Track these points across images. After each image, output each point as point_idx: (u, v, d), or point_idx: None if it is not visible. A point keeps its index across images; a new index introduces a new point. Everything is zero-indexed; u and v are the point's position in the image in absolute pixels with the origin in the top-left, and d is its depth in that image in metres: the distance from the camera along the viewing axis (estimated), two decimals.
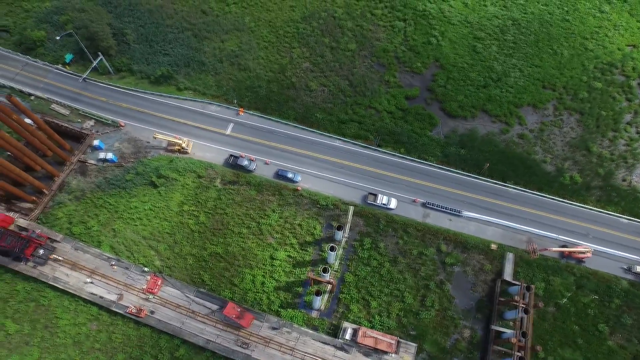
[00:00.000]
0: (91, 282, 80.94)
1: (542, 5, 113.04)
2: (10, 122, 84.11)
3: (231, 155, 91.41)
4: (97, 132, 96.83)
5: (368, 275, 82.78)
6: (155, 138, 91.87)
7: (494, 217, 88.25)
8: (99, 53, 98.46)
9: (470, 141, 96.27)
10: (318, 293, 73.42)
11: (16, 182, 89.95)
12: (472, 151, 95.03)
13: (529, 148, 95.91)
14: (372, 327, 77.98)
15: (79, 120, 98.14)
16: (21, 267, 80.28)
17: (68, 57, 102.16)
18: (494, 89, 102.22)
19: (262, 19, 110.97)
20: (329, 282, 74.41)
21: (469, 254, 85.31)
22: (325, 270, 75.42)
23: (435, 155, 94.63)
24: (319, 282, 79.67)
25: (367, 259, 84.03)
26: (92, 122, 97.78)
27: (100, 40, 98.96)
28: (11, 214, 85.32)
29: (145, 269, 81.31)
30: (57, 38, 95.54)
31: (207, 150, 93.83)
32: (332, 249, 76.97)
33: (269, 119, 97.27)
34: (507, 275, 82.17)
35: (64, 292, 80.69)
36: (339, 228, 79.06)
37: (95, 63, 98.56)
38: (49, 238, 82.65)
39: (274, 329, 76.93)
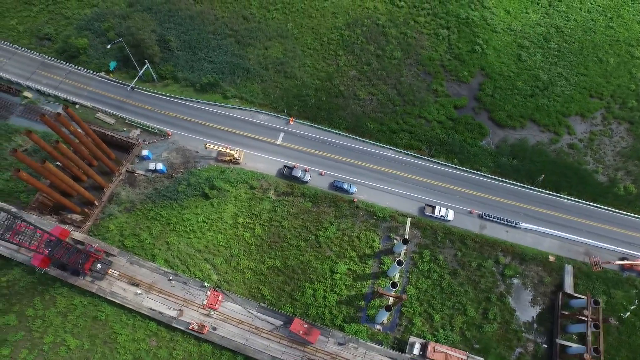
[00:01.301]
0: (141, 293, 79.49)
1: (584, 12, 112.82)
2: (63, 132, 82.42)
3: (285, 166, 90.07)
4: (144, 141, 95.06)
5: (429, 288, 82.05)
6: (206, 148, 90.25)
7: (550, 228, 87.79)
8: (145, 61, 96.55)
9: (521, 151, 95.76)
10: (388, 308, 72.49)
11: (64, 192, 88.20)
12: (524, 161, 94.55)
13: (579, 158, 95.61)
14: (436, 341, 77.24)
15: (125, 129, 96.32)
16: (80, 282, 78.51)
17: (112, 64, 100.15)
18: (541, 98, 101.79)
19: (304, 25, 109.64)
20: (399, 298, 73.44)
21: (527, 266, 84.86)
22: (394, 285, 74.53)
23: (487, 165, 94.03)
24: (381, 295, 78.78)
25: (428, 272, 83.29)
26: (138, 131, 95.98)
27: (146, 48, 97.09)
28: (65, 227, 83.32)
29: (205, 284, 79.85)
30: (108, 46, 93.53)
31: (259, 161, 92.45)
32: (399, 262, 76.02)
33: (320, 128, 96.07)
34: (568, 287, 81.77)
35: (121, 307, 79.16)
36: (405, 242, 78.15)
37: (141, 71, 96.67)
38: (105, 252, 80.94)
39: (340, 344, 75.94)
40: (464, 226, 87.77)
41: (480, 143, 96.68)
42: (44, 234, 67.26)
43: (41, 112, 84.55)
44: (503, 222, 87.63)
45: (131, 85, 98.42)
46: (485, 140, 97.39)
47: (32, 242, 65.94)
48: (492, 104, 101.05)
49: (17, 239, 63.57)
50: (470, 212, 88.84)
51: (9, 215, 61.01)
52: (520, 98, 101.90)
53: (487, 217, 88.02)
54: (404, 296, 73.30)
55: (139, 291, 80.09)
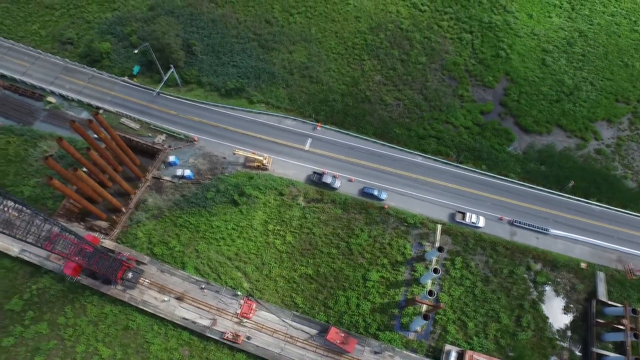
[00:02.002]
0: (168, 300, 78.67)
1: (607, 16, 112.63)
2: (91, 139, 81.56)
3: (314, 172, 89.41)
4: (170, 147, 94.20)
5: (462, 295, 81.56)
6: (235, 154, 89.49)
7: (581, 235, 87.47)
8: (171, 65, 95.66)
9: (548, 157, 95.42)
10: (426, 317, 71.90)
11: (89, 199, 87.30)
12: (552, 167, 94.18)
13: (607, 164, 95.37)
14: (471, 349, 76.81)
15: (150, 134, 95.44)
16: (113, 291, 77.66)
17: (136, 69, 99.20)
18: (566, 103, 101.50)
19: (328, 29, 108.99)
20: (437, 306, 72.92)
21: (558, 273, 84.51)
22: (431, 293, 74.03)
23: (516, 171, 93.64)
24: (415, 303, 78.27)
25: (460, 279, 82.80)
26: (163, 137, 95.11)
27: (171, 52, 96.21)
28: (94, 235, 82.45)
29: (238, 292, 79.12)
30: (135, 51, 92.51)
31: (287, 167, 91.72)
32: (435, 270, 75.51)
33: (347, 134, 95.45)
34: (602, 295, 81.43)
35: (153, 316, 78.36)
36: (440, 249, 77.61)
37: (167, 76, 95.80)
38: (136, 260, 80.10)
39: (376, 353, 75.39)
40: (494, 233, 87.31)
41: (508, 149, 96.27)
42: (80, 242, 66.37)
43: (71, 119, 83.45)
44: (533, 228, 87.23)
45: (157, 90, 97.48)
46: (512, 146, 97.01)
47: (67, 250, 65.04)
48: (518, 109, 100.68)
49: (53, 248, 62.61)
50: (501, 219, 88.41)
51: (60, 228, 59.92)
52: (546, 103, 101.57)
53: (518, 224, 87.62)
54: (441, 305, 72.75)
55: (165, 298, 79.37)
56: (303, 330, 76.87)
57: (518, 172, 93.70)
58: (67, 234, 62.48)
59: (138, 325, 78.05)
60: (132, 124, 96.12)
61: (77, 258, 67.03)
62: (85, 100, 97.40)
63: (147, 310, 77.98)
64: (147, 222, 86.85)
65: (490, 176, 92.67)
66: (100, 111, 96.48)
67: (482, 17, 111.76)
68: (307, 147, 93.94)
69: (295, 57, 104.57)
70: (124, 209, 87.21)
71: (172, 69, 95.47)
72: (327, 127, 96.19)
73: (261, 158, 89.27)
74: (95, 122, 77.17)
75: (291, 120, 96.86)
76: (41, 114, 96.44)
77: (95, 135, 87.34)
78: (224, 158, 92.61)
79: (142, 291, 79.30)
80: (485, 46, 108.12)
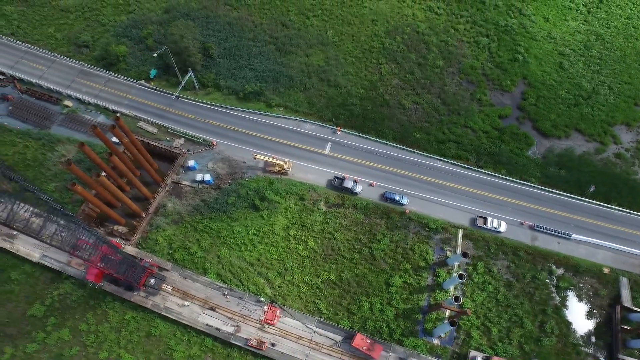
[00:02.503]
0: (187, 305, 78.17)
1: (624, 19, 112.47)
2: (112, 144, 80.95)
3: (335, 177, 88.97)
4: (188, 151, 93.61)
5: (485, 300, 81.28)
6: (255, 159, 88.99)
7: (603, 239, 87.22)
8: (189, 69, 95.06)
9: (568, 161, 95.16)
10: (453, 323, 71.64)
11: (107, 204, 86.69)
12: (572, 172, 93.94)
13: (627, 168, 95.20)
14: (496, 355, 76.49)
15: (168, 138, 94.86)
16: (136, 298, 77.08)
17: (152, 72, 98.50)
18: (585, 107, 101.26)
19: (344, 32, 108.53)
20: (463, 312, 72.57)
21: (581, 278, 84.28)
22: (456, 299, 73.71)
23: (535, 176, 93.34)
24: (439, 308, 77.98)
25: (483, 284, 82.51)
26: (181, 141, 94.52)
27: (189, 56, 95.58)
28: (116, 240, 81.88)
29: (262, 298, 78.62)
30: (154, 55, 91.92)
31: (307, 171, 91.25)
32: (460, 276, 75.19)
33: (367, 138, 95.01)
34: (626, 301, 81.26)
35: (175, 322, 77.83)
36: (465, 255, 77.21)
37: (185, 79, 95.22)
38: (158, 266, 79.54)
39: (401, 359, 75.02)
40: (515, 237, 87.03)
41: (527, 153, 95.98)
42: (110, 249, 65.81)
43: (92, 124, 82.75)
44: (555, 233, 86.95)
45: (176, 94, 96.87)
46: (531, 150, 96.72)
47: (92, 256, 64.37)
48: (537, 114, 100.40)
49: (81, 255, 62.00)
50: (522, 224, 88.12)
51: (100, 239, 59.43)
52: (564, 107, 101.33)
53: (539, 229, 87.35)
54: (468, 311, 72.44)
55: (186, 303, 78.86)
56: (328, 337, 76.46)
57: (538, 176, 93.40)
58: (101, 242, 61.94)
59: (160, 332, 77.55)
60: (150, 128, 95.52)
61: (103, 265, 66.42)
62: (102, 103, 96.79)
63: (170, 316, 77.43)
64: (167, 228, 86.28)
65: (510, 181, 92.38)
66: (118, 114, 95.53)
67: (498, 21, 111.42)
68: (327, 152, 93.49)
69: (312, 60, 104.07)
70: (143, 214, 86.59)
71: (191, 73, 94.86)
72: (347, 131, 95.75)
73: (282, 163, 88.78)
74: (117, 127, 76.54)
75: (310, 124, 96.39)
76: (58, 117, 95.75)
77: (114, 140, 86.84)
78: (244, 162, 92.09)
79: (165, 297, 78.73)
80: (502, 50, 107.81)
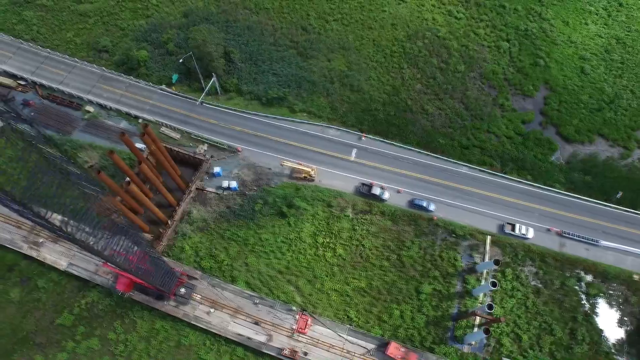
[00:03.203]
0: (213, 311, 77.43)
1: None
2: (138, 151, 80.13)
3: (363, 184, 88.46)
4: (212, 157, 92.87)
5: (514, 307, 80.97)
6: (282, 165, 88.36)
7: (632, 246, 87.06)
8: (212, 74, 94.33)
9: (592, 167, 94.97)
10: (487, 331, 71.27)
11: (132, 210, 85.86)
12: (597, 177, 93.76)
13: None
14: None
15: (191, 144, 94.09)
16: (167, 307, 76.34)
17: (174, 77, 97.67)
18: (607, 111, 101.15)
19: (365, 37, 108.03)
20: (497, 320, 72.22)
21: (610, 285, 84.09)
22: (490, 307, 73.37)
23: (560, 181, 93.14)
24: (470, 315, 77.63)
25: (511, 291, 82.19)
26: (205, 147, 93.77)
27: (211, 61, 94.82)
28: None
29: (293, 307, 78.00)
30: (180, 60, 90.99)
31: (334, 178, 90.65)
32: (493, 284, 74.83)
33: (392, 144, 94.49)
34: None
35: (205, 331, 77.13)
36: (497, 262, 76.83)
37: (208, 85, 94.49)
38: (187, 275, 78.81)
39: None
40: (543, 244, 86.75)
41: (551, 159, 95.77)
42: (141, 256, 65.02)
43: (121, 131, 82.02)
44: (583, 239, 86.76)
45: (200, 99, 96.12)
46: (555, 155, 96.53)
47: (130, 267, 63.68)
48: (559, 119, 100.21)
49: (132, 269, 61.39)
50: (549, 230, 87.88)
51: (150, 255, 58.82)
52: (587, 112, 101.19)
53: (567, 235, 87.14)
54: (502, 318, 72.12)
55: (211, 310, 78.19)
56: (360, 345, 75.95)
57: (562, 182, 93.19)
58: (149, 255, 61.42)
59: (190, 342, 76.83)
60: (173, 134, 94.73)
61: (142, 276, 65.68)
62: (124, 109, 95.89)
63: (200, 326, 76.73)
64: (193, 235, 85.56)
65: (535, 186, 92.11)
66: (140, 120, 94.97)
67: (518, 25, 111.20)
68: (352, 158, 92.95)
69: (334, 65, 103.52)
70: (168, 222, 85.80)
71: (214, 78, 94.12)
72: (372, 137, 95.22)
73: (309, 169, 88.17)
74: (146, 134, 75.74)
75: (335, 130, 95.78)
76: (80, 123, 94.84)
77: (140, 146, 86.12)
78: (269, 169, 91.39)
79: (194, 306, 78.01)
80: (523, 54, 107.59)
